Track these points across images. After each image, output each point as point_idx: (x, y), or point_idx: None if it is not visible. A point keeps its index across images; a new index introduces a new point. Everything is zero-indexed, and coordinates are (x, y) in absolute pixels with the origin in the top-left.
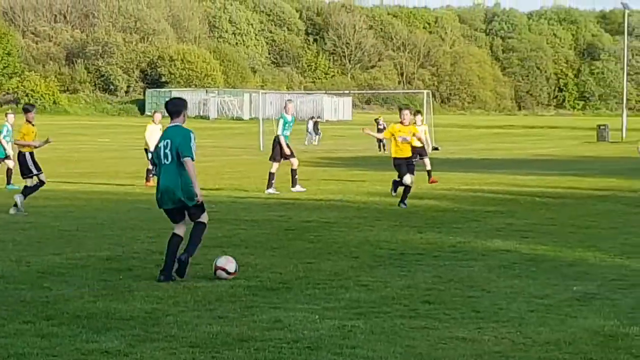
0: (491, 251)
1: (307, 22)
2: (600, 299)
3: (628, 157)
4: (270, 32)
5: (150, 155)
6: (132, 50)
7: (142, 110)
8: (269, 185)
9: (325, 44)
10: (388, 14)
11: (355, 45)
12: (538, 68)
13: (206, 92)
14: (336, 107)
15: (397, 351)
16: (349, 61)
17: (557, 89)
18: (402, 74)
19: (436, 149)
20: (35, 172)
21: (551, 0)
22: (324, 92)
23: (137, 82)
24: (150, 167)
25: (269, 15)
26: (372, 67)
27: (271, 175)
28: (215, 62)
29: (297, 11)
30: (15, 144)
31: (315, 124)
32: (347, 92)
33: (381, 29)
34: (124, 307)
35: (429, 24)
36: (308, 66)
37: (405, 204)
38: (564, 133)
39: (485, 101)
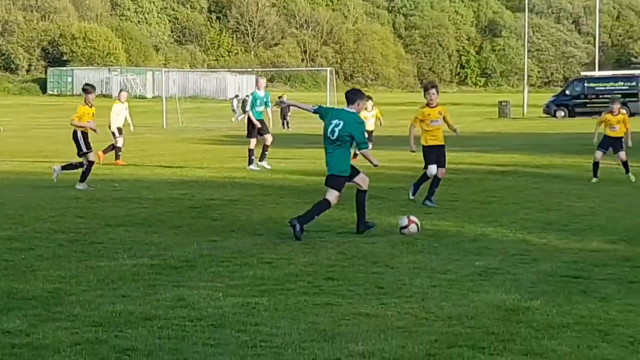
0: (394, 227)
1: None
2: (501, 273)
3: (529, 132)
4: (173, 10)
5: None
6: (33, 29)
7: (43, 89)
8: (250, 162)
9: (229, 21)
10: None
11: (258, 23)
12: (440, 45)
13: (109, 70)
14: (239, 85)
15: (300, 327)
16: (252, 39)
17: (459, 65)
18: (305, 52)
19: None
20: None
21: None
22: (227, 70)
23: (38, 60)
24: (120, 145)
25: None
26: (275, 44)
27: (250, 151)
28: (118, 41)
29: None
30: (71, 124)
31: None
32: (250, 69)
33: (284, 6)
34: (25, 286)
35: (331, 1)
36: (211, 44)
37: (431, 201)
38: (466, 110)
39: (388, 78)
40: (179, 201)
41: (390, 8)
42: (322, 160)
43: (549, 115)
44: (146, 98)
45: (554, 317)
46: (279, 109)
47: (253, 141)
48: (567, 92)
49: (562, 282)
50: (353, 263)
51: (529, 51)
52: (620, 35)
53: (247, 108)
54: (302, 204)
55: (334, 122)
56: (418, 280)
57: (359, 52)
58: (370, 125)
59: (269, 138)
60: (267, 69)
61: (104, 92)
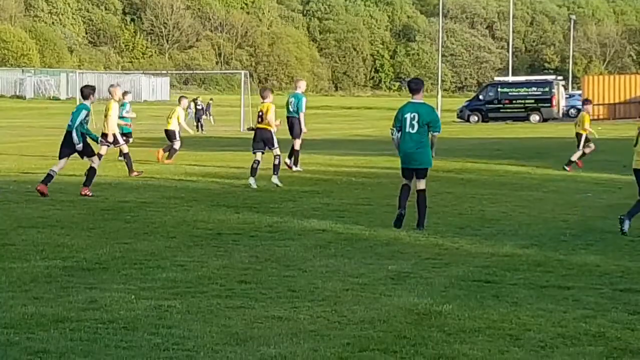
0: (307, 231)
1: (124, 1)
2: (414, 277)
3: (443, 137)
4: (88, 11)
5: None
6: None
7: None
8: (296, 163)
9: (143, 23)
10: None
11: (172, 25)
12: (355, 49)
13: (22, 71)
14: (154, 87)
15: (213, 330)
16: (167, 41)
17: (373, 70)
18: (220, 54)
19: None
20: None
21: None
22: (142, 72)
23: None
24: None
25: None
26: (190, 47)
27: (297, 152)
28: (32, 42)
29: None
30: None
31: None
32: (164, 72)
33: (199, 9)
34: None
35: (246, 4)
36: (126, 46)
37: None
38: (380, 114)
39: None
40: (92, 203)
41: (304, 12)
42: (233, 162)
43: (462, 120)
44: (60, 100)
45: (465, 322)
46: (194, 112)
47: (298, 142)
48: (481, 97)
49: (474, 287)
50: (266, 266)
51: (443, 56)
52: (533, 41)
53: (303, 110)
54: (215, 207)
55: (408, 116)
56: (331, 284)
57: (273, 55)
58: None
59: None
60: (181, 72)
61: (17, 94)
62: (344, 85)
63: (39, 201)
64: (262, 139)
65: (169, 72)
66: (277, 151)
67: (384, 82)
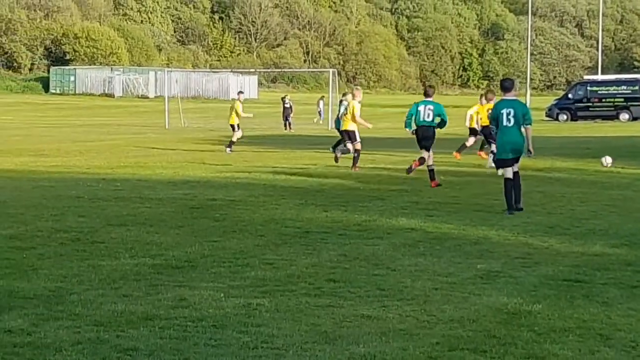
0: (396, 229)
1: (213, 0)
2: (503, 276)
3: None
4: (176, 9)
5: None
6: (36, 28)
7: (46, 87)
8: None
9: (231, 22)
10: None
11: (261, 23)
12: (443, 47)
13: (111, 70)
14: (242, 86)
15: (302, 329)
16: (255, 39)
17: (461, 68)
18: (307, 53)
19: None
20: None
21: None
22: (230, 70)
23: (41, 59)
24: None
25: None
26: (278, 45)
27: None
28: (120, 40)
29: None
30: None
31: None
32: (252, 70)
33: (287, 7)
34: (27, 285)
35: (334, 2)
36: (214, 44)
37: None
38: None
39: (390, 80)
40: (181, 201)
41: (393, 10)
42: (322, 160)
43: (551, 119)
44: (148, 98)
45: (555, 321)
46: (282, 110)
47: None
48: (570, 95)
49: (564, 286)
50: (354, 265)
51: (531, 54)
52: (623, 39)
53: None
54: (303, 205)
55: (504, 111)
56: (420, 283)
57: (361, 53)
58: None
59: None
60: (269, 70)
61: (106, 92)
62: (432, 84)
63: (128, 199)
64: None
65: (257, 70)
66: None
67: (472, 80)
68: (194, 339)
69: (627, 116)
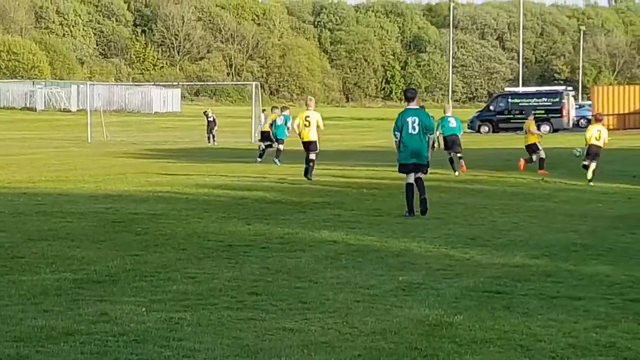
0: (318, 242)
1: (135, 13)
2: (425, 288)
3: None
4: (99, 23)
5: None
6: None
7: None
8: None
9: (154, 35)
10: (216, 5)
11: (183, 36)
12: (366, 60)
13: (33, 83)
14: (165, 99)
15: (223, 343)
16: (178, 53)
17: (384, 81)
18: (231, 66)
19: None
20: None
21: None
22: (153, 83)
23: None
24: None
25: (97, 6)
26: (201, 58)
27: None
28: (42, 54)
29: (125, 2)
30: None
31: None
32: (175, 83)
33: (210, 20)
34: None
35: (257, 15)
36: (136, 57)
37: None
38: (391, 125)
39: (313, 93)
40: (103, 215)
41: (315, 23)
42: (245, 174)
43: (473, 131)
44: (71, 112)
45: (476, 333)
46: (206, 124)
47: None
48: (491, 107)
49: (485, 298)
50: (277, 278)
51: (453, 67)
52: (543, 52)
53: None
54: (226, 219)
55: (410, 120)
56: (342, 296)
57: (284, 66)
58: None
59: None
60: (192, 83)
61: (27, 106)
62: (355, 97)
63: (49, 213)
64: None
65: (180, 83)
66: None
67: (395, 93)
68: (115, 353)
69: (547, 128)
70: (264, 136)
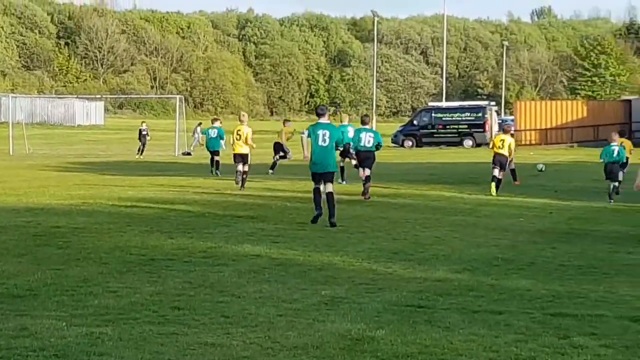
0: (241, 256)
1: (58, 25)
2: (347, 302)
3: (377, 162)
4: (21, 35)
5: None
6: None
7: None
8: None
9: (77, 47)
10: (141, 18)
11: (107, 49)
12: (290, 74)
13: None
14: (88, 112)
15: (145, 357)
16: (101, 65)
17: (308, 94)
18: (155, 79)
19: (188, 154)
20: None
21: (303, 7)
22: (76, 96)
23: None
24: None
25: (19, 18)
26: (125, 71)
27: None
28: None
29: (48, 14)
30: None
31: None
32: (99, 96)
33: (134, 33)
34: None
35: (181, 28)
36: (60, 70)
37: None
38: None
39: (238, 106)
40: (24, 229)
41: (240, 36)
42: (168, 187)
43: (397, 145)
44: None
45: (398, 347)
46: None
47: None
48: (415, 122)
49: (407, 312)
50: (199, 292)
51: (377, 81)
52: (467, 67)
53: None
54: (149, 232)
55: (320, 133)
56: (264, 310)
57: (209, 79)
58: None
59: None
60: (116, 96)
61: None
62: (280, 110)
63: None
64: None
65: (103, 96)
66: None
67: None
68: None
69: (470, 142)
70: (276, 148)
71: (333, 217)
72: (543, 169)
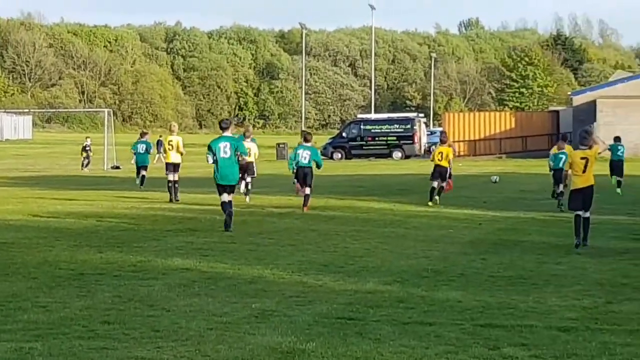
0: (171, 270)
1: None
2: (278, 315)
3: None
4: None
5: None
6: None
7: None
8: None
9: (5, 61)
10: (68, 32)
11: (35, 63)
12: (219, 87)
13: None
14: (16, 126)
15: None
16: (29, 79)
17: (237, 107)
18: (83, 93)
19: (117, 167)
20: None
21: (231, 20)
22: (3, 110)
23: None
24: None
25: None
26: (53, 85)
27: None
28: None
29: None
30: None
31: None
32: (27, 110)
33: (61, 47)
34: None
35: (109, 42)
36: None
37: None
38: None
39: (166, 120)
40: None
41: (168, 50)
42: (98, 201)
43: (326, 157)
44: None
45: (329, 359)
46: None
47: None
48: (344, 134)
49: (337, 324)
50: (129, 306)
51: (306, 93)
52: (395, 79)
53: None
54: (78, 247)
55: (221, 145)
56: (194, 323)
57: (137, 93)
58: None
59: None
60: (44, 110)
61: None
62: (208, 123)
63: None
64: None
65: (31, 110)
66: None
67: (249, 119)
68: None
69: (399, 154)
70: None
71: (228, 226)
72: (497, 181)
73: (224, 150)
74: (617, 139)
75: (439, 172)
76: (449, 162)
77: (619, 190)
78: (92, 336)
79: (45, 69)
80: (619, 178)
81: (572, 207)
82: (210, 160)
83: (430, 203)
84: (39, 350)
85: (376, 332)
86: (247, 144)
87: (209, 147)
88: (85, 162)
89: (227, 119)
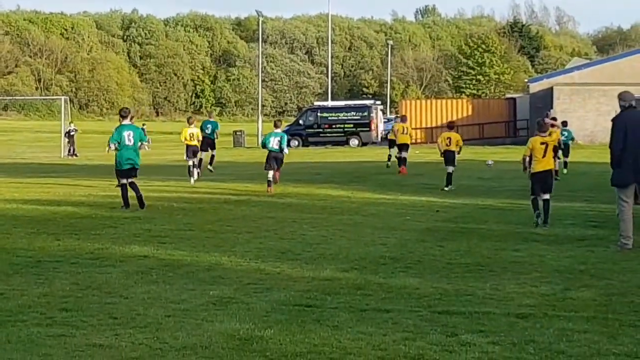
0: (129, 257)
1: None
2: (235, 302)
3: (263, 162)
4: None
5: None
6: None
7: None
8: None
9: None
10: (24, 19)
11: None
12: (175, 74)
13: None
14: None
15: None
16: None
17: (194, 95)
18: (39, 80)
19: (75, 155)
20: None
21: (187, 7)
22: None
23: None
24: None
25: None
26: (9, 73)
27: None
28: None
29: None
30: None
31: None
32: None
33: (17, 34)
34: None
35: (65, 29)
36: None
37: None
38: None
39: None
40: None
41: (125, 37)
42: (55, 188)
43: None
44: None
45: (287, 346)
46: (69, 137)
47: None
48: (301, 121)
49: (295, 311)
50: (87, 294)
51: (263, 81)
52: (352, 66)
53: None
54: (35, 234)
55: (125, 133)
56: (152, 311)
57: (94, 80)
58: None
59: None
60: (0, 98)
61: None
62: (165, 111)
63: None
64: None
65: None
66: None
67: (205, 107)
68: None
69: (356, 142)
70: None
71: (139, 200)
72: (491, 164)
73: (128, 138)
74: (564, 124)
75: (451, 157)
76: (458, 147)
77: (565, 170)
78: (50, 323)
79: (1, 56)
80: (565, 159)
81: (533, 192)
82: (113, 147)
83: (446, 189)
84: None
85: (334, 319)
86: (191, 129)
87: (113, 136)
88: (71, 149)
89: (126, 108)
